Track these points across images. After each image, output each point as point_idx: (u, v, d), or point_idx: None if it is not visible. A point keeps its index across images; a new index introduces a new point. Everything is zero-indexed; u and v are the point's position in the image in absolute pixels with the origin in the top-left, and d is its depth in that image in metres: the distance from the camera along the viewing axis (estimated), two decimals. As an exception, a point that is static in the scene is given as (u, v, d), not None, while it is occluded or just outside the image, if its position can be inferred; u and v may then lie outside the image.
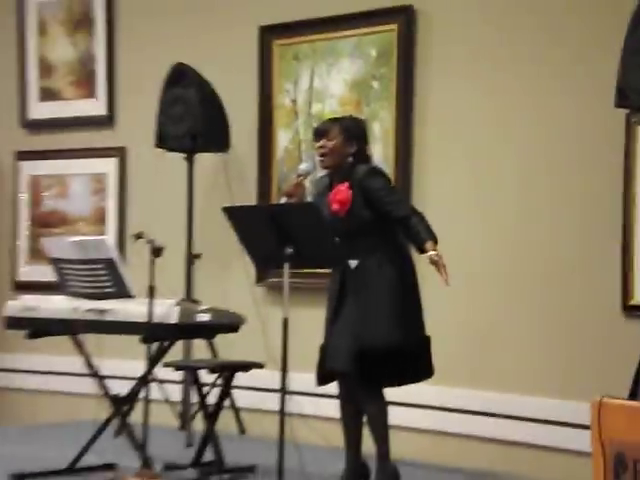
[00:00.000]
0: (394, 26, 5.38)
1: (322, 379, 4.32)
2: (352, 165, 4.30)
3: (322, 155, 4.34)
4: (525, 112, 5.03)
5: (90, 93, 6.55)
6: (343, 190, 4.26)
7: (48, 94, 6.76)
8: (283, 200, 4.34)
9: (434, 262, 4.11)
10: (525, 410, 4.90)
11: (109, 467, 4.66)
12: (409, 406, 4.95)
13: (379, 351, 4.16)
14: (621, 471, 3.13)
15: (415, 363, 4.25)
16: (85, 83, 6.59)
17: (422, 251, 4.16)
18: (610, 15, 4.60)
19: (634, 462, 3.10)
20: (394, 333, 4.19)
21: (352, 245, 4.23)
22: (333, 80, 5.62)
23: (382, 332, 4.17)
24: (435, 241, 4.15)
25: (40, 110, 6.78)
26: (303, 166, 4.49)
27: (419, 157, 5.32)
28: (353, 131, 4.35)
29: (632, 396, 3.91)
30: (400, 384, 4.28)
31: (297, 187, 4.35)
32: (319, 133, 4.38)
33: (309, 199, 4.54)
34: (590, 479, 3.25)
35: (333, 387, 4.36)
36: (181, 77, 5.70)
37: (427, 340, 4.30)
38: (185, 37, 6.10)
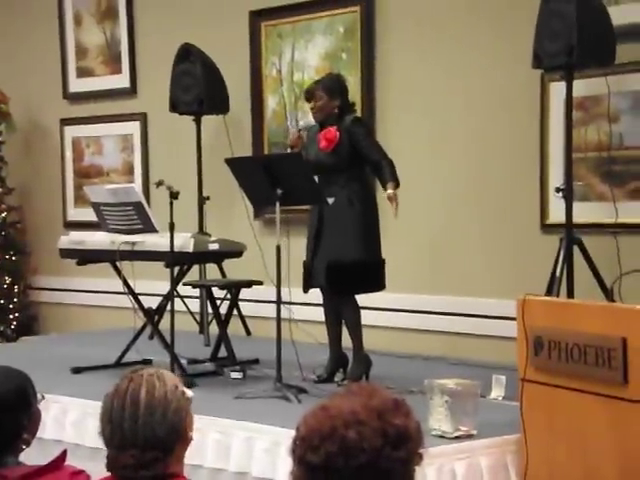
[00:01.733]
0: (357, 8, 5.32)
1: (306, 287, 4.34)
2: (339, 115, 4.26)
3: (314, 113, 4.31)
4: (466, 73, 4.99)
5: (116, 70, 6.46)
6: (332, 131, 4.22)
7: (84, 72, 6.66)
8: (289, 150, 4.30)
9: (389, 198, 4.14)
10: (466, 308, 4.94)
11: (146, 362, 4.69)
12: (377, 309, 4.96)
13: (346, 265, 4.19)
14: (539, 349, 3.21)
15: (372, 278, 4.26)
16: (112, 62, 6.50)
17: (385, 189, 4.19)
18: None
19: (548, 342, 3.18)
20: (358, 252, 4.21)
21: (329, 179, 4.21)
22: (310, 53, 5.56)
23: (349, 251, 4.20)
24: (396, 184, 4.17)
25: (78, 85, 6.69)
26: (303, 122, 4.45)
27: (381, 113, 5.29)
28: (333, 88, 4.30)
29: (548, 293, 3.98)
30: (362, 292, 4.29)
31: (298, 139, 4.32)
32: (308, 96, 4.33)
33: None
34: (515, 358, 3.35)
35: (317, 297, 4.39)
36: (188, 55, 5.62)
37: (383, 261, 4.30)
38: (190, 22, 6.00)
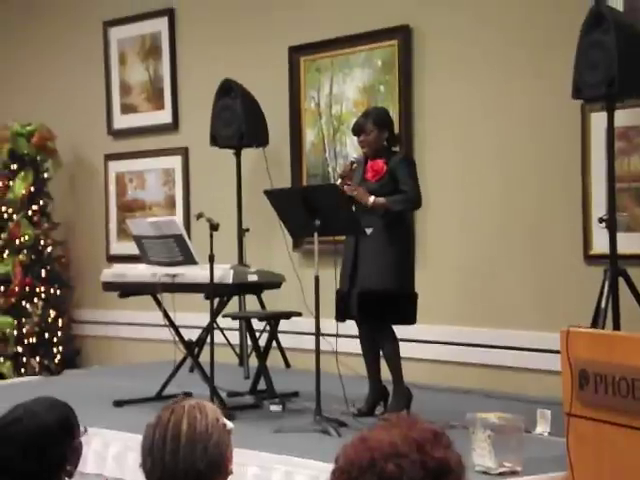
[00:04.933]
0: (395, 42, 5.30)
1: (341, 317, 4.26)
2: (388, 147, 4.26)
3: (364, 147, 4.28)
4: (504, 105, 4.94)
5: (159, 106, 6.51)
6: (380, 163, 4.22)
7: (127, 108, 6.73)
8: (338, 181, 4.26)
9: (352, 188, 4.12)
10: (509, 340, 4.82)
11: (186, 395, 4.66)
12: (415, 341, 4.86)
13: (377, 295, 4.12)
14: (584, 383, 3.10)
15: (403, 310, 4.17)
16: (155, 98, 6.55)
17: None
18: (566, 22, 4.50)
19: (594, 375, 3.07)
20: (390, 283, 4.14)
21: (368, 210, 4.17)
22: (348, 86, 5.54)
23: (381, 281, 4.13)
24: (387, 207, 4.11)
25: (122, 121, 6.75)
26: (356, 155, 4.45)
27: (419, 144, 5.23)
28: (382, 121, 4.28)
29: (593, 325, 3.87)
30: (391, 324, 4.18)
31: (350, 170, 4.27)
32: (357, 131, 4.29)
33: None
34: (560, 393, 3.23)
35: (355, 328, 4.30)
36: (229, 90, 5.65)
37: (415, 295, 4.21)
38: (231, 59, 6.02)
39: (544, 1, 4.76)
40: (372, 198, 4.15)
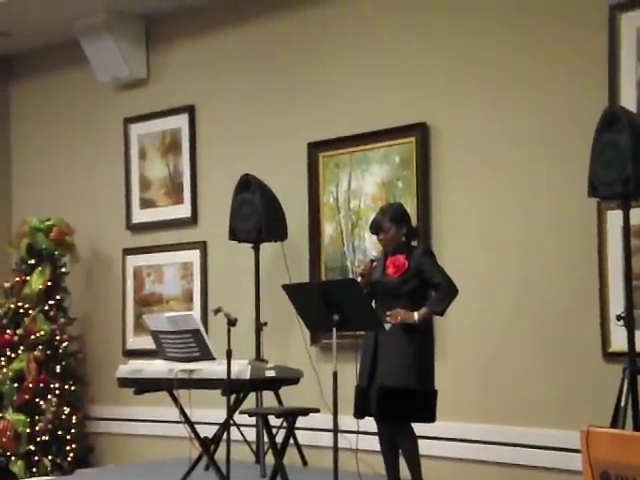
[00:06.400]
0: (412, 139, 5.45)
1: (359, 413, 4.28)
2: (407, 242, 4.38)
3: (384, 244, 4.42)
4: (520, 202, 5.02)
5: (178, 200, 6.63)
6: (401, 259, 4.33)
7: (146, 203, 6.85)
8: (358, 279, 4.36)
9: (394, 315, 4.21)
10: (528, 439, 4.81)
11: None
12: (435, 439, 4.86)
13: (396, 392, 4.15)
14: (606, 485, 3.10)
15: (422, 408, 4.19)
16: (174, 193, 6.67)
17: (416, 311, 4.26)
18: (581, 121, 4.64)
19: (616, 478, 3.06)
20: (410, 381, 4.18)
21: (389, 305, 4.24)
22: (366, 182, 5.67)
23: (400, 378, 4.17)
24: (432, 312, 4.24)
25: (141, 216, 6.86)
26: (375, 253, 4.56)
27: (437, 239, 5.32)
28: (399, 217, 4.42)
29: (613, 424, 3.88)
30: (410, 422, 4.21)
31: (369, 269, 4.38)
32: (376, 230, 4.42)
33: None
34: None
35: (374, 425, 4.33)
36: (248, 185, 5.76)
37: (435, 392, 4.24)
38: (250, 155, 6.17)
39: (559, 99, 4.89)
40: (416, 315, 4.22)
